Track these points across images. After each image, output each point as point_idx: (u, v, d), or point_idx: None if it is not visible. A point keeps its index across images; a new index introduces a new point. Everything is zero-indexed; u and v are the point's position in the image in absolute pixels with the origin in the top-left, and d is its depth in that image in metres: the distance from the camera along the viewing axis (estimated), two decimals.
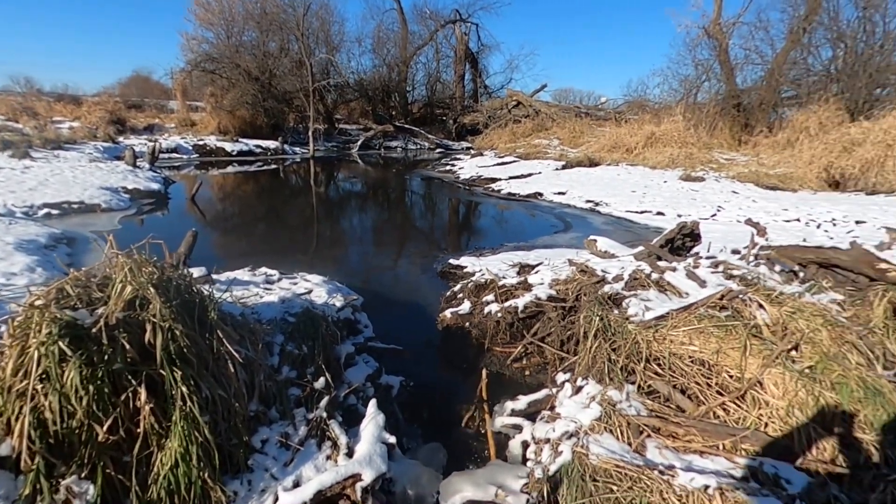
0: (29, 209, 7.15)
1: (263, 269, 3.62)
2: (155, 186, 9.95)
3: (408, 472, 2.34)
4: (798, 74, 16.34)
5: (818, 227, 7.19)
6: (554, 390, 2.88)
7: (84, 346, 1.73)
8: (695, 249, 4.08)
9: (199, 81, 21.62)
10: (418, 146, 23.52)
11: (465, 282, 4.21)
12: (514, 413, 2.79)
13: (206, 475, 1.81)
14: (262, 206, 9.79)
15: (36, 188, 8.28)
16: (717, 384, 2.48)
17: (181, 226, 6.53)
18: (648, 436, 2.32)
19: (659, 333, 2.63)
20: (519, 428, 2.72)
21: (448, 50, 27.64)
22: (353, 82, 25.57)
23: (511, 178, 13.31)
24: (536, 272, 3.86)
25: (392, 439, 2.31)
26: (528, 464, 2.47)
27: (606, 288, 3.12)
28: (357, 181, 14.41)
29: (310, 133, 18.93)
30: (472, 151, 21.60)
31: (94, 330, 1.75)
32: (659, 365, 2.59)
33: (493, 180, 13.09)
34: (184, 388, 1.82)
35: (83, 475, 1.68)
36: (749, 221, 4.59)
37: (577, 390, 2.68)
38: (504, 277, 3.98)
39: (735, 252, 3.81)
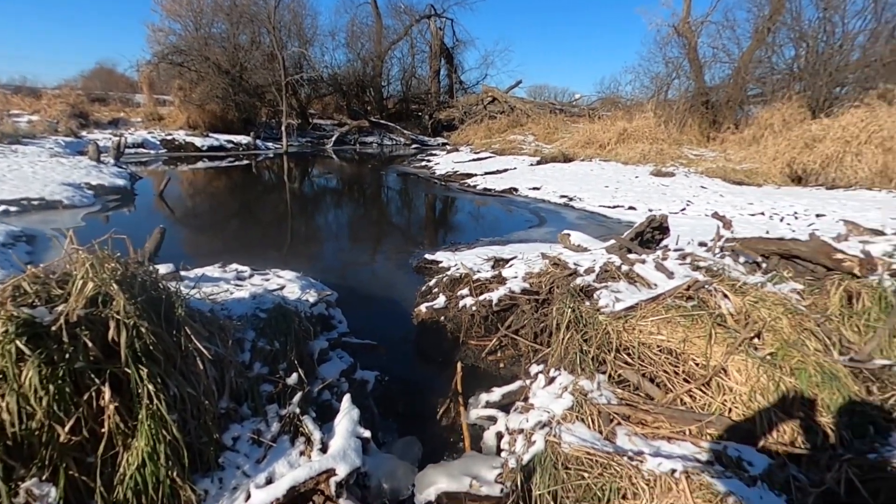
0: None
1: (234, 266, 3.55)
2: (121, 182, 9.63)
3: (383, 466, 2.34)
4: (763, 73, 16.85)
5: (781, 220, 7.45)
6: (528, 382, 2.92)
7: (43, 344, 1.67)
8: (664, 242, 4.18)
9: (166, 74, 20.96)
10: (394, 142, 23.39)
11: (441, 276, 4.22)
12: (488, 405, 2.82)
13: (174, 474, 1.78)
14: (234, 203, 9.59)
15: None
16: (683, 372, 2.55)
17: (149, 223, 6.34)
18: (619, 423, 2.38)
19: (628, 324, 2.69)
20: (493, 419, 2.75)
21: (423, 45, 27.53)
22: (327, 77, 25.23)
23: (487, 173, 13.36)
24: (510, 266, 3.90)
25: (367, 434, 2.30)
26: (503, 454, 2.50)
27: (578, 280, 3.17)
28: (332, 177, 14.24)
29: (283, 128, 18.60)
30: (448, 147, 21.59)
31: (53, 328, 1.69)
32: (629, 354, 2.65)
33: (469, 176, 13.13)
34: (150, 387, 1.78)
35: (44, 477, 1.63)
36: (716, 215, 4.72)
37: (551, 381, 2.72)
38: (479, 271, 4.00)
39: (702, 244, 3.92)
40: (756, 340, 2.64)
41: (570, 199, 9.90)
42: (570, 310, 2.86)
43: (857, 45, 14.69)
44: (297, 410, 2.21)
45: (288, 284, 3.32)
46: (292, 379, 2.34)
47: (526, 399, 2.72)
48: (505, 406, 2.81)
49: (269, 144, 19.30)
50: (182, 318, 1.99)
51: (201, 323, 2.10)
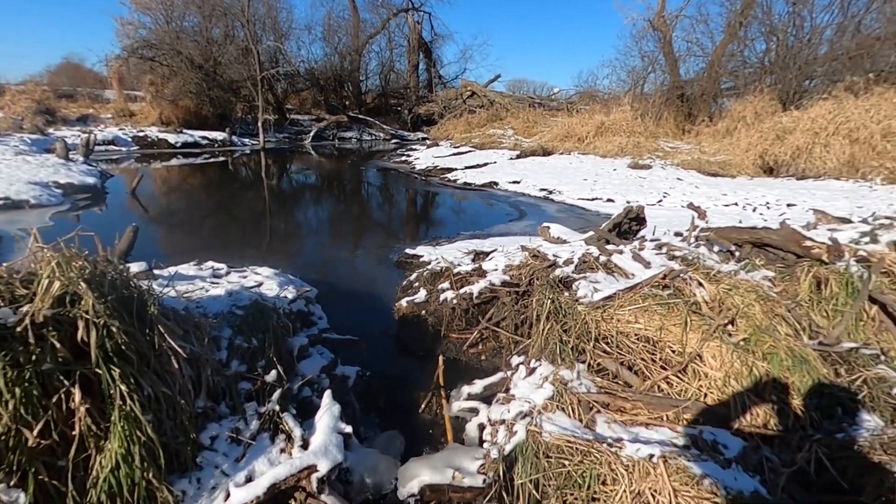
0: None
1: (210, 263, 3.48)
2: (90, 180, 9.35)
3: (365, 461, 2.33)
4: (735, 66, 17.20)
5: (754, 210, 7.63)
6: (509, 373, 2.94)
7: (8, 346, 1.61)
8: (641, 233, 4.25)
9: (136, 69, 20.40)
10: (373, 137, 23.21)
11: (421, 270, 4.21)
12: (470, 397, 2.83)
13: (150, 475, 1.74)
14: (210, 200, 9.41)
15: None
16: (661, 359, 2.60)
17: (121, 221, 6.17)
18: (598, 411, 2.41)
19: (607, 313, 2.73)
20: (475, 411, 2.76)
21: (401, 39, 27.33)
22: (304, 71, 24.88)
23: (467, 167, 13.37)
24: (491, 259, 3.91)
25: (348, 429, 2.29)
26: (485, 445, 2.51)
27: (558, 272, 3.20)
28: (311, 173, 14.08)
29: (259, 124, 18.29)
30: (428, 142, 21.52)
31: (18, 329, 1.64)
32: (607, 343, 2.69)
33: (449, 170, 13.11)
34: (123, 387, 1.73)
35: (12, 483, 1.58)
36: (691, 206, 4.81)
37: (531, 371, 2.74)
38: (459, 265, 4.00)
39: (678, 234, 3.99)
40: (730, 327, 2.71)
41: (550, 193, 9.98)
42: (549, 301, 2.88)
43: (824, 38, 15.11)
44: (277, 408, 2.18)
45: (266, 281, 3.27)
46: (271, 376, 2.31)
47: (507, 390, 2.74)
48: (487, 398, 2.83)
49: (246, 140, 18.96)
50: (155, 317, 1.94)
51: (175, 321, 2.06)
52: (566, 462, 2.10)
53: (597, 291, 2.88)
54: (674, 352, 2.59)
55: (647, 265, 3.14)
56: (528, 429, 2.31)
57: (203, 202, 9.28)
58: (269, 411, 2.17)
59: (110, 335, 1.75)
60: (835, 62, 14.39)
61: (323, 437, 2.13)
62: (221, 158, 15.52)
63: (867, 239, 3.58)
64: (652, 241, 3.68)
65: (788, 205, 7.79)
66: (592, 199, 9.21)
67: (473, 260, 4.25)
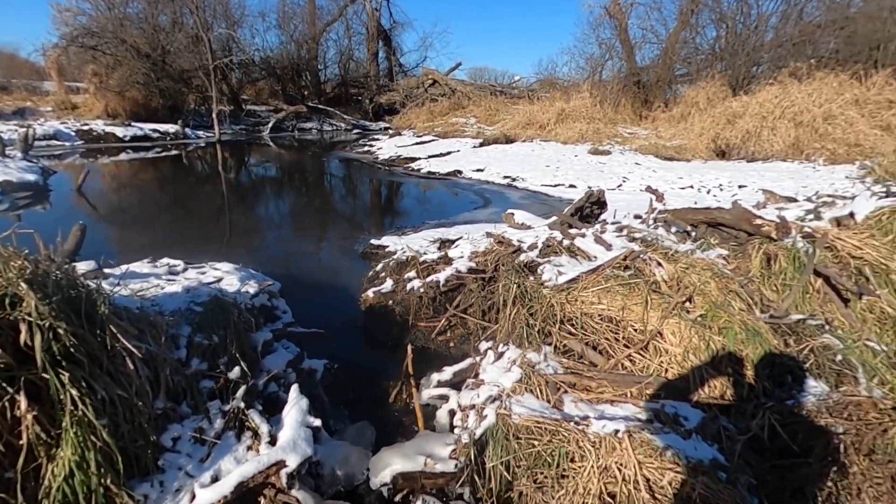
0: None
1: (166, 260, 3.35)
2: (31, 178, 8.80)
3: (335, 453, 2.31)
4: (688, 53, 17.72)
5: (708, 192, 7.93)
6: (478, 358, 2.96)
7: None
8: (602, 216, 4.34)
9: (77, 59, 19.22)
10: (334, 127, 22.76)
11: (387, 260, 4.17)
12: (440, 384, 2.84)
13: (108, 481, 1.67)
14: (164, 196, 9.02)
15: None
16: (623, 338, 2.67)
17: (67, 220, 5.85)
18: (565, 391, 2.46)
19: (571, 295, 2.78)
20: (445, 398, 2.77)
21: (359, 27, 26.80)
22: (259, 60, 24.07)
23: (430, 156, 13.31)
24: (456, 246, 3.92)
25: (317, 422, 2.26)
26: (456, 431, 2.53)
27: (522, 256, 3.23)
28: (271, 165, 13.70)
29: (214, 115, 17.61)
30: (391, 131, 21.28)
31: None
32: (572, 325, 2.74)
33: (413, 160, 13.02)
34: (73, 392, 1.64)
35: None
36: (649, 189, 4.94)
37: (499, 356, 2.77)
38: (425, 253, 3.99)
39: (637, 217, 4.09)
40: (688, 304, 2.81)
41: (514, 180, 10.06)
42: (515, 286, 2.91)
43: (770, 26, 15.74)
44: (242, 405, 2.13)
45: (226, 276, 3.17)
46: (234, 373, 2.24)
47: (476, 375, 2.76)
48: (456, 384, 2.84)
49: (200, 133, 18.24)
50: (106, 317, 1.85)
51: (129, 321, 1.96)
52: (536, 442, 2.14)
53: (561, 274, 2.93)
54: (636, 330, 2.67)
55: (609, 247, 3.22)
56: (497, 412, 2.33)
57: (157, 198, 8.89)
58: (234, 409, 2.11)
59: (57, 338, 1.66)
60: (780, 49, 15.03)
61: (291, 432, 2.09)
62: (175, 152, 14.88)
63: (812, 216, 3.76)
64: (613, 224, 3.77)
65: (740, 186, 8.12)
66: (555, 186, 9.34)
67: (439, 248, 4.25)
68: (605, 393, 2.47)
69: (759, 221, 3.28)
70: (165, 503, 1.78)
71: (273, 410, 2.32)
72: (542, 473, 2.08)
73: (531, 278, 3.00)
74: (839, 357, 2.60)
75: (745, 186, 8.08)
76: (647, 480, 1.94)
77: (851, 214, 3.60)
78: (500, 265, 3.29)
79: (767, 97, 11.55)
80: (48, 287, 1.74)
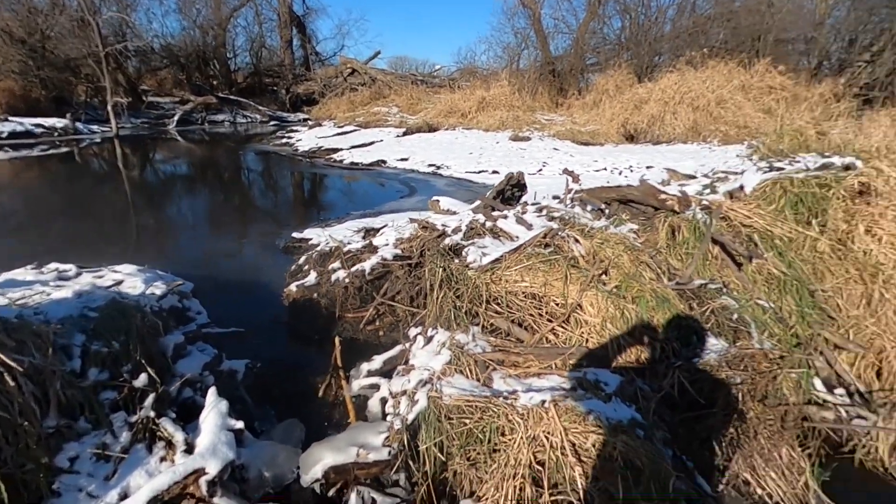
0: None
1: (54, 265, 3.00)
2: None
3: (262, 454, 2.20)
4: (597, 43, 18.63)
5: (620, 173, 8.42)
6: (407, 345, 2.94)
7: None
8: (523, 198, 4.46)
9: None
10: (249, 119, 21.56)
11: (310, 253, 4.03)
12: (370, 374, 2.80)
13: None
14: (55, 198, 8.09)
15: None
16: (547, 313, 2.77)
17: None
18: (494, 369, 2.51)
19: (495, 275, 2.83)
20: (376, 387, 2.73)
21: (270, 12, 25.45)
22: (159, 47, 22.19)
23: (353, 147, 13.01)
24: (381, 234, 3.86)
25: (239, 424, 2.14)
26: (388, 418, 2.50)
27: (447, 240, 3.25)
28: (180, 161, 12.73)
29: (109, 108, 15.99)
30: (310, 122, 20.53)
31: None
32: (498, 304, 2.80)
33: (335, 151, 12.66)
34: None
35: None
36: (565, 171, 5.15)
37: (429, 340, 2.77)
38: (350, 243, 3.90)
39: (555, 198, 4.25)
40: (604, 276, 2.96)
41: (438, 168, 10.09)
42: (441, 269, 2.91)
43: (668, 17, 16.91)
44: (152, 413, 1.96)
45: (127, 279, 2.90)
46: (140, 381, 2.06)
47: (407, 361, 2.74)
48: (387, 372, 2.81)
49: (95, 127, 16.53)
50: None
51: (6, 332, 1.73)
52: (467, 420, 2.17)
53: (485, 256, 2.98)
54: (558, 304, 2.78)
55: (530, 227, 3.31)
56: (429, 395, 2.33)
57: (46, 200, 7.96)
58: (143, 419, 1.94)
59: None
60: (677, 39, 16.21)
61: (210, 437, 1.96)
62: (65, 149, 13.37)
63: (708, 191, 4.10)
64: (533, 205, 3.88)
65: (648, 167, 8.70)
66: (479, 172, 9.49)
67: (364, 237, 4.16)
68: (532, 367, 2.55)
69: (663, 196, 3.52)
70: None
71: (189, 417, 2.16)
72: (474, 450, 2.11)
73: (456, 261, 3.02)
74: (735, 316, 2.85)
75: (652, 167, 8.66)
76: (573, 445, 2.03)
77: (741, 187, 3.95)
78: (426, 250, 3.29)
79: (668, 84, 12.43)
80: None
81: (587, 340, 2.67)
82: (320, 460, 2.20)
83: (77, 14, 16.98)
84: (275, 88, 25.00)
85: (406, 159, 11.01)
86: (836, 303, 3.26)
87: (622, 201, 3.85)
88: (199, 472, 1.84)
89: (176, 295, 3.02)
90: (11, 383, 1.58)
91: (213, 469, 1.85)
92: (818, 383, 2.92)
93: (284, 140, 15.46)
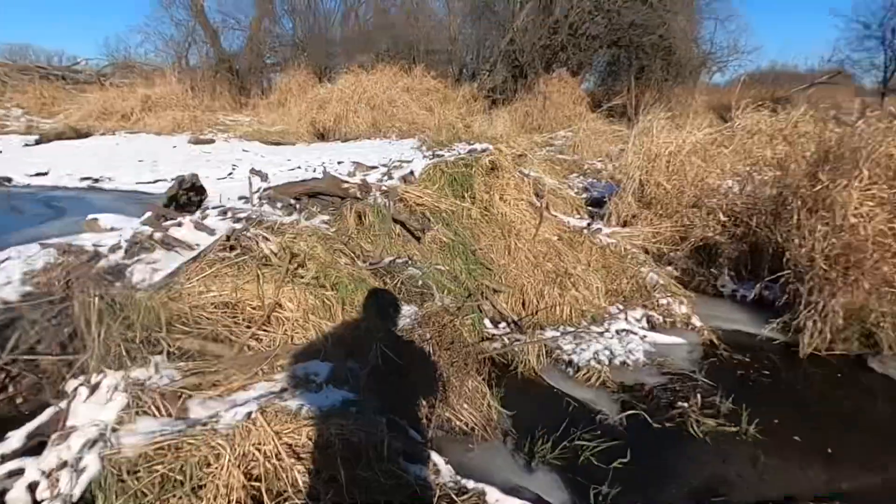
0: None
1: None
2: None
3: None
4: (274, 42, 18.35)
5: (314, 170, 8.55)
6: (64, 403, 2.27)
7: None
8: (205, 202, 4.03)
9: None
10: None
11: None
12: (5, 458, 2.05)
13: None
14: None
15: None
16: (244, 319, 2.57)
17: None
18: (190, 396, 2.18)
19: (174, 292, 2.45)
20: (20, 472, 2.02)
21: None
22: None
23: None
24: (1, 270, 2.85)
25: None
26: None
27: (103, 263, 2.63)
28: None
29: None
30: None
31: None
32: (184, 323, 2.44)
33: None
34: None
35: None
36: (252, 171, 4.90)
37: (94, 389, 2.21)
38: None
39: (242, 198, 3.99)
40: (300, 270, 2.92)
41: (97, 181, 8.22)
42: (97, 298, 2.34)
43: (337, 23, 17.96)
44: None
45: None
46: None
47: (64, 425, 2.12)
48: (35, 448, 2.11)
49: None
50: None
51: None
52: (159, 467, 1.82)
53: (157, 272, 2.54)
54: (254, 308, 2.60)
55: (213, 232, 3.00)
56: (101, 455, 1.86)
57: None
58: None
59: None
60: (349, 44, 17.40)
61: None
62: None
63: (386, 178, 4.55)
64: (215, 208, 3.54)
65: (339, 162, 9.11)
66: (155, 182, 8.13)
67: None
68: (236, 381, 2.32)
69: (346, 185, 3.71)
70: None
71: None
72: (174, 496, 1.79)
73: (119, 285, 2.48)
74: (420, 282, 3.25)
75: (342, 162, 9.11)
76: (290, 446, 1.95)
77: (412, 172, 4.51)
78: (73, 280, 2.59)
79: (346, 85, 13.26)
80: None
81: (292, 337, 2.60)
82: None
83: None
84: None
85: (46, 173, 8.57)
86: (491, 257, 4.10)
87: (311, 195, 3.89)
88: None
89: None
90: None
91: None
92: (487, 322, 3.62)
93: None
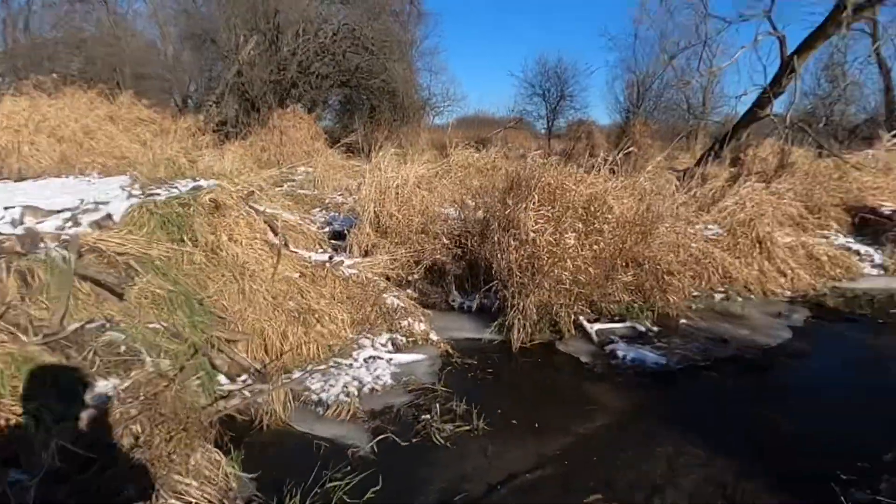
0: None
1: None
2: None
3: None
4: None
5: None
6: None
7: None
8: None
9: None
10: None
11: None
12: None
13: None
14: None
15: None
16: None
17: None
18: None
19: None
20: None
21: None
22: None
23: None
24: None
25: None
26: None
27: None
28: None
29: None
30: None
31: None
32: None
33: None
34: None
35: None
36: None
37: None
38: None
39: None
40: None
41: None
42: None
43: None
44: None
45: None
46: None
47: None
48: None
49: None
50: None
51: None
52: None
53: None
54: None
55: None
56: None
57: None
58: None
59: None
60: (16, 59, 13.74)
61: None
62: None
63: (71, 224, 3.66)
64: None
65: (6, 208, 6.98)
66: None
67: None
68: None
69: None
70: None
71: None
72: None
73: None
74: (123, 348, 2.66)
75: (12, 207, 7.01)
76: None
77: (109, 216, 3.75)
78: None
79: (16, 110, 10.37)
80: None
81: None
82: None
83: None
84: None
85: None
86: (222, 304, 3.68)
87: None
88: None
89: None
90: None
91: None
92: (223, 378, 3.20)
93: None
